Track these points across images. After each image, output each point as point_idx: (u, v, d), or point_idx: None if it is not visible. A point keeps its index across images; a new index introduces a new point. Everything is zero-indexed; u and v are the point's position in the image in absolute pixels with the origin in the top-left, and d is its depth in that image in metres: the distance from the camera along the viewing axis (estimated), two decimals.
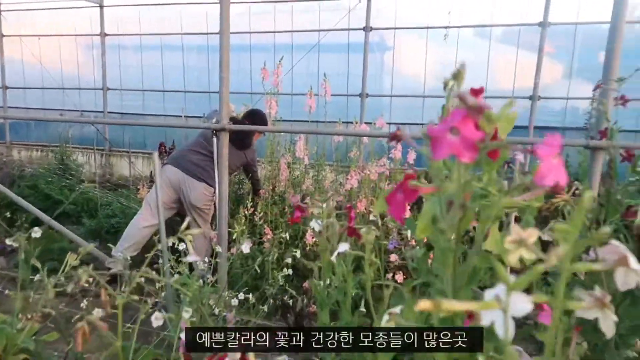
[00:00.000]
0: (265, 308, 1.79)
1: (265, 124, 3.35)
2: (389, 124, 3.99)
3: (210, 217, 3.27)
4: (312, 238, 2.87)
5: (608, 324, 0.42)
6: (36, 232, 1.35)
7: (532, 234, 0.48)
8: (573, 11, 4.95)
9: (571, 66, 5.11)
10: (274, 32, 5.93)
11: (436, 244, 0.50)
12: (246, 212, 2.93)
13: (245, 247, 1.36)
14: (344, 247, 0.87)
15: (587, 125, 3.87)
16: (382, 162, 3.27)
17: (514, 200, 0.52)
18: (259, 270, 2.94)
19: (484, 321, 0.38)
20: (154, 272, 1.07)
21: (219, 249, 1.87)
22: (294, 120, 5.37)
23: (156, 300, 1.60)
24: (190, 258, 0.64)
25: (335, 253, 0.89)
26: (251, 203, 2.95)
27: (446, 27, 5.15)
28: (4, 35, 7.29)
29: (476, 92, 0.50)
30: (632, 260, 0.39)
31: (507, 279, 0.37)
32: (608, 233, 0.41)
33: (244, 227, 2.89)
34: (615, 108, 1.44)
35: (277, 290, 2.15)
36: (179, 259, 1.83)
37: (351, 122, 4.19)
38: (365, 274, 0.92)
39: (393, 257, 2.68)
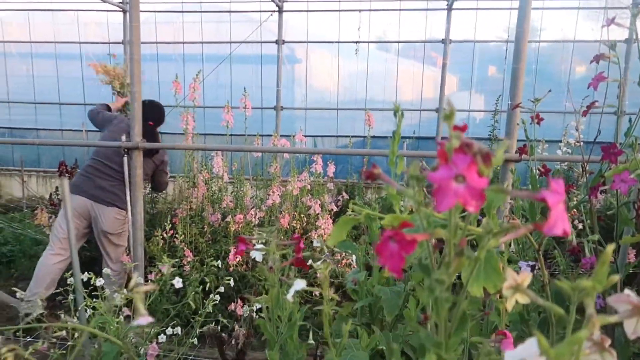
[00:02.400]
0: (196, 341, 1.67)
1: (163, 115, 3.22)
2: (305, 136, 3.98)
3: (124, 240, 3.03)
4: (236, 259, 2.77)
5: None
6: None
7: (525, 278, 0.47)
8: (469, 30, 5.33)
9: (471, 80, 5.48)
10: (183, 42, 5.71)
11: (430, 293, 0.47)
12: (165, 235, 2.75)
13: (178, 283, 1.25)
14: (300, 284, 0.82)
15: (491, 136, 4.16)
16: (303, 177, 3.25)
17: (499, 240, 0.51)
18: (175, 296, 2.78)
19: None
20: (75, 319, 0.94)
21: (139, 279, 1.71)
22: (208, 134, 5.20)
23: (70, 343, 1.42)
24: (141, 321, 0.55)
25: (292, 291, 0.83)
26: (170, 225, 2.77)
27: (356, 42, 5.29)
28: None
29: (460, 129, 0.48)
30: None
31: (550, 351, 0.34)
32: (617, 280, 0.40)
33: (160, 251, 2.72)
34: (531, 124, 1.53)
35: (204, 319, 2.03)
36: (92, 293, 1.66)
37: (268, 135, 4.14)
38: (321, 308, 0.88)
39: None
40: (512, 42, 5.44)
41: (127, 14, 5.62)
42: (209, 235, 3.05)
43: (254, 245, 1.01)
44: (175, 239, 2.81)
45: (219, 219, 3.13)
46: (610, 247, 0.36)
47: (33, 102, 6.11)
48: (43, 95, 6.10)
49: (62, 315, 1.40)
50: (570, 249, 1.11)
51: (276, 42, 5.39)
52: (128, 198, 2.93)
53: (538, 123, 1.52)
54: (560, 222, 0.39)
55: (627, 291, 0.39)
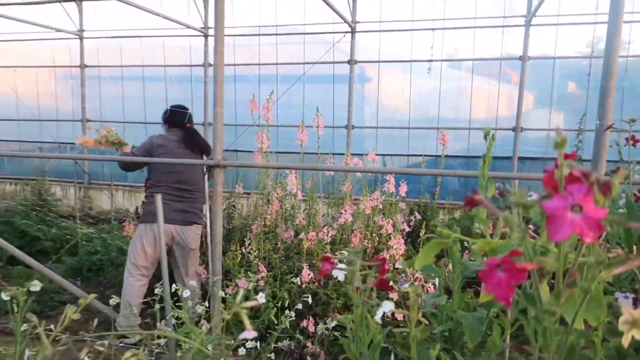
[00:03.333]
0: (273, 356, 1.71)
1: (187, 117, 3.30)
2: (377, 155, 3.99)
3: (198, 254, 3.19)
4: (309, 276, 2.80)
5: None
6: (35, 286, 1.26)
7: None
8: (549, 46, 5.12)
9: (551, 97, 5.25)
10: (259, 64, 5.95)
11: (537, 324, 0.46)
12: (244, 250, 2.85)
13: (261, 298, 1.30)
14: (388, 306, 0.83)
15: (576, 157, 3.94)
16: (375, 196, 3.25)
17: (612, 272, 0.49)
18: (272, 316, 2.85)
19: None
20: (167, 329, 1.00)
21: (221, 293, 1.79)
22: (281, 152, 5.34)
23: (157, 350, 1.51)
24: (247, 334, 0.58)
25: (380, 312, 0.84)
26: (248, 241, 2.87)
27: (429, 61, 5.25)
28: None
29: (570, 157, 0.47)
30: None
31: None
32: None
33: (238, 266, 2.81)
34: (626, 147, 1.44)
35: (279, 333, 2.07)
36: (177, 303, 1.75)
37: (339, 154, 4.19)
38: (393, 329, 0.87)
39: (393, 295, 2.62)
40: (596, 57, 5.20)
41: (208, 38, 5.96)
42: (282, 252, 3.11)
43: (337, 264, 1.03)
44: (249, 254, 2.90)
45: (292, 236, 3.19)
46: None
47: (122, 122, 6.60)
48: (131, 115, 6.57)
49: (152, 324, 1.49)
50: None
51: (348, 62, 5.47)
52: (208, 214, 3.07)
53: (634, 145, 1.43)
54: None
55: None
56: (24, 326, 1.41)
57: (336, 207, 3.44)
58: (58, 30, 6.37)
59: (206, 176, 3.05)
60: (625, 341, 0.45)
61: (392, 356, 1.16)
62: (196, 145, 3.22)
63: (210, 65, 5.79)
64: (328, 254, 1.01)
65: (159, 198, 2.03)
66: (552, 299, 0.45)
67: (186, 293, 1.49)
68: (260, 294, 1.33)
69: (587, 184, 0.40)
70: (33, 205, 4.84)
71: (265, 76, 6.06)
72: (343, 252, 1.05)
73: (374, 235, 3.13)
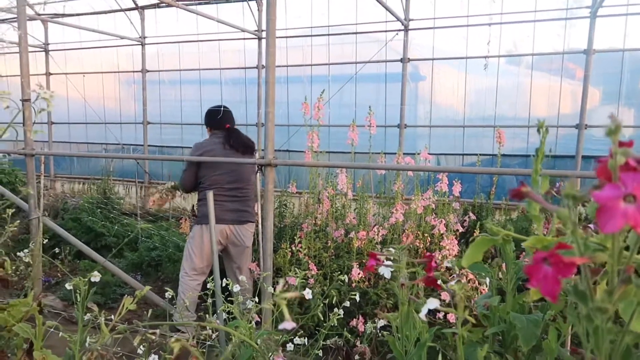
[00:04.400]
0: (320, 352, 1.72)
1: (222, 116, 3.27)
2: (430, 154, 3.91)
3: (251, 251, 3.25)
4: (359, 275, 2.79)
5: None
6: (95, 277, 1.33)
7: None
8: (618, 38, 4.82)
9: (619, 93, 4.94)
10: (311, 65, 5.99)
11: (588, 322, 0.43)
12: (293, 248, 2.88)
13: (308, 294, 1.30)
14: (434, 303, 0.81)
15: None
16: (427, 195, 3.19)
17: None
18: (299, 308, 2.88)
19: None
20: (215, 320, 1.02)
21: (270, 289, 1.81)
22: (332, 152, 5.35)
23: (209, 343, 1.55)
24: (286, 325, 0.59)
25: (425, 310, 0.82)
26: (299, 240, 2.90)
27: (485, 57, 5.09)
28: (51, 74, 7.62)
29: (627, 145, 0.44)
30: None
31: None
32: None
33: (289, 264, 2.84)
34: None
35: (327, 331, 2.08)
36: (228, 298, 1.79)
37: (391, 153, 4.14)
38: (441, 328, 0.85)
39: (444, 295, 2.56)
40: None
41: (262, 41, 6.08)
42: (332, 251, 3.12)
43: (383, 261, 1.02)
44: (299, 252, 2.92)
45: (342, 235, 3.19)
46: None
47: (180, 123, 6.86)
48: (189, 117, 6.81)
49: (205, 317, 1.53)
50: None
51: (401, 60, 5.40)
52: (259, 212, 3.13)
53: None
54: None
55: None
56: (87, 315, 1.50)
57: (387, 206, 3.40)
58: (122, 38, 6.72)
59: (258, 174, 3.11)
60: None
61: (440, 356, 1.13)
62: (240, 143, 3.20)
63: (263, 67, 5.90)
64: (374, 251, 1.00)
65: (210, 200, 2.08)
66: (604, 296, 0.42)
67: (236, 288, 1.52)
68: (307, 289, 1.34)
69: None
70: (98, 204, 5.12)
71: (317, 76, 6.10)
72: (390, 249, 1.04)
73: (425, 235, 3.07)
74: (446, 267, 1.18)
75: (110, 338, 1.34)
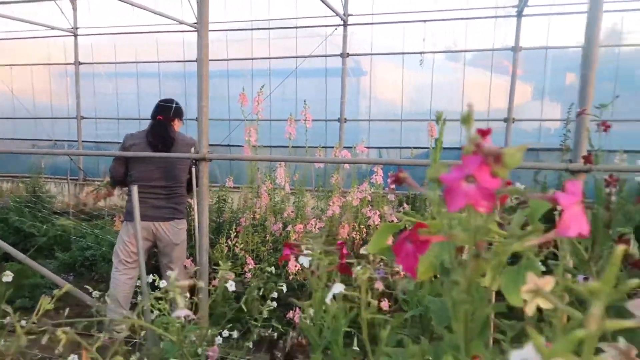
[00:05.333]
0: (250, 344, 1.73)
1: (173, 110, 3.19)
2: (368, 148, 4.00)
3: (185, 249, 3.17)
4: (296, 267, 2.82)
5: None
6: (7, 277, 1.28)
7: (548, 282, 0.46)
8: (543, 35, 5.11)
9: (543, 88, 5.24)
10: (252, 58, 5.94)
11: (446, 295, 0.47)
12: (230, 243, 2.86)
13: (231, 286, 1.31)
14: (338, 287, 0.84)
15: (562, 146, 3.95)
16: (363, 187, 3.26)
17: (525, 245, 0.50)
18: (235, 302, 2.87)
19: None
20: (134, 316, 1.01)
21: (201, 284, 1.80)
22: (274, 146, 5.35)
23: (131, 337, 1.52)
24: (179, 313, 0.59)
25: (330, 294, 0.85)
26: (235, 233, 2.88)
27: (421, 53, 5.24)
28: None
29: (484, 133, 0.48)
30: None
31: (543, 349, 0.34)
32: (636, 284, 0.39)
33: (224, 259, 2.82)
34: (597, 133, 1.45)
35: (261, 324, 2.09)
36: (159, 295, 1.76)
37: (331, 147, 4.19)
38: (360, 313, 0.89)
39: (378, 285, 2.64)
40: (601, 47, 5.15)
41: None
42: (271, 244, 3.13)
43: (302, 251, 1.04)
44: (236, 247, 2.91)
45: (280, 229, 3.20)
46: (621, 248, 0.35)
47: (117, 118, 6.61)
48: (126, 111, 6.57)
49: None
50: (631, 262, 1.04)
51: (341, 55, 5.46)
52: (195, 207, 3.08)
53: (605, 130, 1.44)
54: (574, 224, 0.38)
55: None
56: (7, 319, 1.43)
57: (325, 199, 3.44)
58: (53, 28, 6.38)
59: (193, 169, 3.04)
60: (529, 310, 0.45)
61: (355, 340, 1.17)
62: (158, 139, 3.05)
63: None
64: (290, 241, 1.02)
65: (135, 196, 2.02)
66: (458, 270, 0.46)
67: (163, 283, 1.50)
68: (231, 281, 1.34)
69: (480, 155, 0.41)
70: (27, 203, 4.86)
71: (258, 71, 6.06)
72: (308, 239, 1.06)
73: (361, 227, 3.14)
74: (362, 253, 1.22)
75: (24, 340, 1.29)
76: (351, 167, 3.42)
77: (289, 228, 3.04)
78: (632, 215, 1.32)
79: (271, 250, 3.10)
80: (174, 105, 3.21)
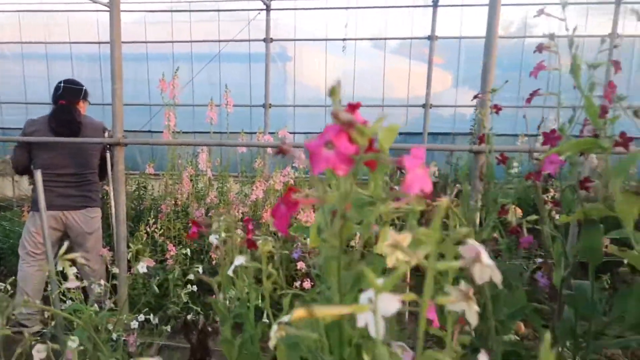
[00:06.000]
0: (169, 328, 1.72)
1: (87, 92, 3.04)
2: (293, 133, 4.04)
3: (99, 237, 3.03)
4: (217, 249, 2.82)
5: (472, 314, 0.47)
6: None
7: (406, 238, 0.52)
8: (457, 26, 5.38)
9: (457, 76, 5.54)
10: (172, 42, 5.75)
11: (322, 252, 0.52)
12: (148, 229, 2.80)
13: (142, 267, 1.30)
14: (240, 260, 0.87)
15: (472, 130, 4.22)
16: (286, 172, 3.30)
17: (393, 206, 0.56)
18: (158, 290, 2.83)
19: (360, 323, 0.41)
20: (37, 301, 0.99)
21: (115, 270, 1.76)
22: (197, 132, 5.24)
23: (42, 329, 1.47)
24: (70, 284, 0.60)
25: (232, 267, 0.88)
26: (153, 219, 2.82)
27: (343, 40, 5.34)
28: None
29: (353, 107, 0.53)
30: (484, 257, 0.43)
31: (375, 283, 0.40)
32: (464, 233, 0.45)
33: (144, 246, 2.76)
34: (491, 115, 1.58)
35: (181, 308, 2.09)
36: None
37: (254, 133, 4.20)
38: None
39: (300, 265, 2.71)
40: (503, 37, 5.54)
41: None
42: None
43: (211, 228, 1.06)
44: (155, 233, 2.86)
45: (203, 214, 3.18)
46: (444, 202, 0.41)
47: (24, 102, 6.16)
48: (35, 94, 6.14)
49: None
50: (510, 229, 1.17)
51: (264, 40, 5.44)
52: (111, 194, 2.98)
53: (497, 113, 1.57)
54: (417, 183, 0.44)
55: (470, 241, 0.44)
56: None
57: (249, 184, 3.46)
58: None
59: (108, 155, 2.92)
60: (390, 262, 0.52)
61: (265, 313, 1.21)
62: (62, 124, 2.85)
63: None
64: (197, 218, 1.04)
65: (39, 184, 1.92)
66: (329, 229, 0.51)
67: (73, 270, 1.46)
68: (142, 263, 1.34)
69: (339, 124, 0.46)
70: None
71: (180, 55, 5.88)
72: (216, 217, 1.09)
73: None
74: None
75: None
76: (274, 152, 3.45)
77: (212, 213, 3.02)
78: (518, 189, 1.46)
79: (187, 238, 3.07)
80: (77, 86, 3.00)
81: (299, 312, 0.40)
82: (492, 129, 1.64)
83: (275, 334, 0.60)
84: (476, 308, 0.47)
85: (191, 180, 3.32)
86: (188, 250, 2.11)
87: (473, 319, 0.47)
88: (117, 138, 2.45)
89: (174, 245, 2.83)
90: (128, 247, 2.50)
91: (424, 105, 5.31)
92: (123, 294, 2.33)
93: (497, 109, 1.56)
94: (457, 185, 1.26)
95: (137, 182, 3.69)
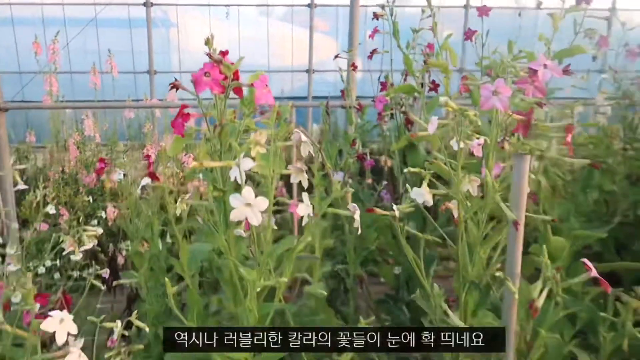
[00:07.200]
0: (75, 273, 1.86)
1: None
2: (181, 100, 4.12)
3: None
4: (114, 213, 2.91)
5: (303, 182, 0.76)
6: None
7: (262, 136, 0.80)
8: None
9: (336, 42, 5.92)
10: (42, 4, 5.39)
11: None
12: (37, 194, 2.79)
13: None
14: (145, 181, 1.09)
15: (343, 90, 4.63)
16: None
17: (258, 119, 0.83)
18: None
19: (231, 177, 0.68)
20: None
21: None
22: (78, 100, 5.04)
23: None
24: None
25: (139, 187, 1.10)
26: (43, 186, 2.81)
27: (227, 5, 5.42)
28: None
29: (223, 54, 0.79)
30: (303, 137, 0.73)
31: (237, 148, 0.67)
32: (292, 130, 0.74)
33: (36, 212, 2.77)
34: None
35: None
36: None
37: (141, 99, 4.21)
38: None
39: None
40: (387, 5, 5.96)
41: None
42: (86, 195, 3.13)
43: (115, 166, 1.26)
44: (46, 198, 2.86)
45: (95, 179, 3.21)
46: (289, 105, 0.69)
47: None
48: None
49: None
50: (357, 155, 1.51)
51: (144, 4, 5.32)
52: None
53: (354, 70, 1.91)
54: (262, 97, 0.72)
55: (300, 128, 0.73)
56: None
57: (140, 149, 3.52)
58: None
59: None
60: (254, 153, 0.79)
61: (168, 235, 1.45)
62: None
63: None
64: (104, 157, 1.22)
65: None
66: (212, 135, 0.77)
67: None
68: (15, 224, 1.48)
69: (213, 61, 0.71)
70: None
71: (51, 19, 5.51)
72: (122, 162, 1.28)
73: (177, 171, 3.34)
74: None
75: None
76: (163, 116, 3.53)
77: (104, 177, 3.07)
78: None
79: (88, 202, 3.11)
80: None
81: (194, 164, 0.66)
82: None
83: (179, 204, 0.85)
84: (305, 178, 0.77)
85: (78, 147, 3.31)
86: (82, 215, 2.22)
87: (304, 183, 0.76)
88: None
89: (66, 210, 2.86)
90: (18, 215, 2.51)
91: (307, 71, 5.63)
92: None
93: (354, 67, 1.89)
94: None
95: (16, 152, 3.57)
